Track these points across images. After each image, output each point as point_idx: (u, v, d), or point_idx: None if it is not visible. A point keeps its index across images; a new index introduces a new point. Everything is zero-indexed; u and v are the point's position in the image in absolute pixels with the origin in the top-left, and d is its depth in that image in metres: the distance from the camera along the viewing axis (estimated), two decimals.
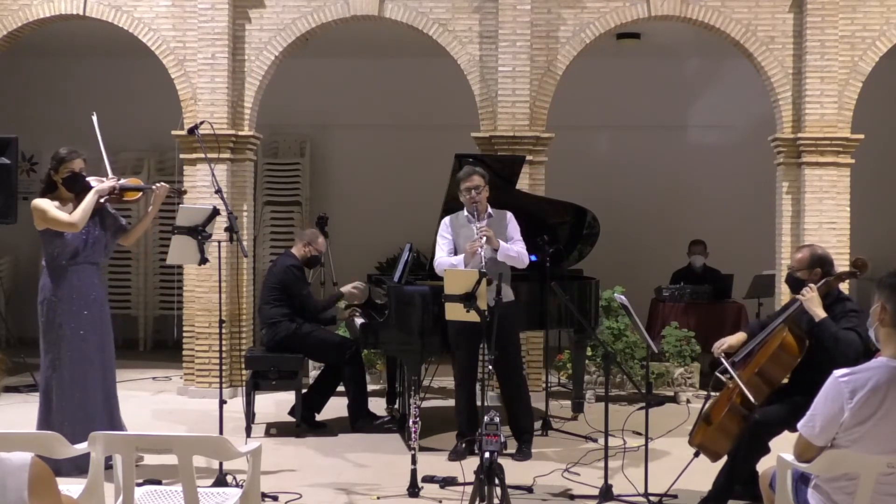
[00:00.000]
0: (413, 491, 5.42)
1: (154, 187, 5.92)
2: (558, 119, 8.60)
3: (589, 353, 7.90)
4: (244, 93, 8.46)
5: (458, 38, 8.31)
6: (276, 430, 7.12)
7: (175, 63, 8.46)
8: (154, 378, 9.22)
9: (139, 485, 3.99)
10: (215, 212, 5.66)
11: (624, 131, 11.39)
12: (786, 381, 5.11)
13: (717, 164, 11.18)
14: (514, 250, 6.18)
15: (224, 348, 6.18)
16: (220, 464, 5.37)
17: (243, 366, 7.88)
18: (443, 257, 6.22)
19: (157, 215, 6.06)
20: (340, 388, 7.22)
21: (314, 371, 8.03)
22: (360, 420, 7.07)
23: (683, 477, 5.32)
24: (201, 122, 6.45)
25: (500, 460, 4.26)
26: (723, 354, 5.16)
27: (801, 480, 3.59)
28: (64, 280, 5.70)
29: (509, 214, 6.36)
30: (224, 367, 6.17)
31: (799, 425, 3.46)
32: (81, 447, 3.61)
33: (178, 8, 8.42)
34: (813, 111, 8.19)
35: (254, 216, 9.22)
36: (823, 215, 8.19)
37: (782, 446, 4.05)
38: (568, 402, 7.87)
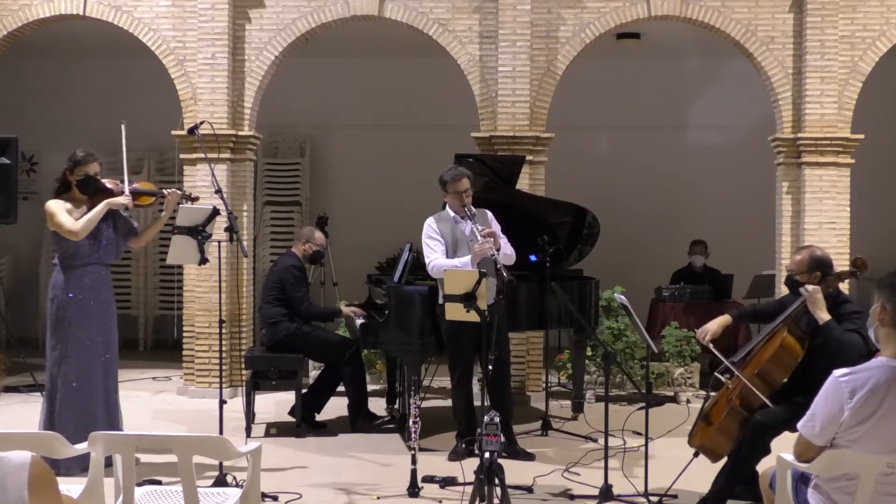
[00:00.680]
0: (413, 491, 5.42)
1: (166, 192, 5.94)
2: (558, 119, 8.60)
3: (589, 353, 7.90)
4: (244, 93, 8.47)
5: (458, 38, 8.31)
6: (276, 430, 7.12)
7: (175, 63, 8.46)
8: (154, 378, 9.22)
9: (139, 485, 3.99)
10: (215, 212, 5.66)
11: (624, 131, 11.39)
12: (785, 381, 5.11)
13: (717, 164, 11.18)
14: (509, 247, 6.19)
15: (224, 348, 6.18)
16: (220, 464, 5.36)
17: (243, 366, 7.88)
18: (440, 259, 6.14)
19: (154, 212, 6.08)
20: (340, 388, 7.22)
21: (314, 371, 8.03)
22: (360, 420, 7.06)
23: (683, 477, 5.31)
24: (201, 122, 6.45)
25: (500, 460, 4.26)
26: (710, 345, 5.14)
27: (801, 480, 3.59)
28: (76, 279, 5.75)
29: (489, 213, 6.35)
30: (224, 367, 6.17)
31: (799, 425, 3.46)
32: (81, 447, 3.61)
33: (178, 8, 8.42)
34: (813, 111, 8.19)
35: (254, 216, 9.22)
36: (823, 215, 8.19)
37: (782, 446, 4.05)
38: (568, 402, 7.87)
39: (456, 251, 6.19)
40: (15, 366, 9.12)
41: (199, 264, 5.68)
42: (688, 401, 8.11)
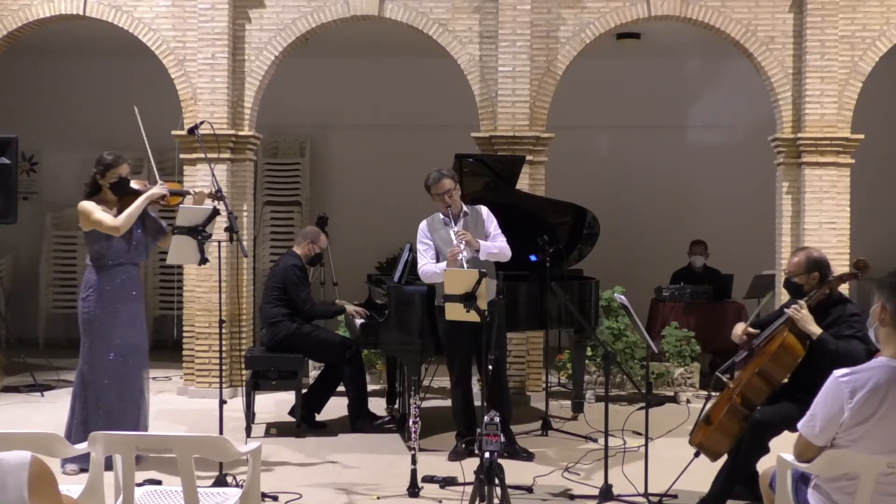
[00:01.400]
0: (413, 491, 5.42)
1: (193, 192, 6.01)
2: (558, 119, 8.60)
3: (589, 353, 7.90)
4: (244, 93, 8.47)
5: (458, 38, 8.31)
6: (276, 430, 7.12)
7: (175, 63, 8.46)
8: (154, 378, 9.21)
9: (139, 485, 3.99)
10: (215, 212, 5.67)
11: (624, 131, 11.39)
12: (786, 380, 5.11)
13: (717, 164, 11.18)
14: (496, 247, 6.13)
15: (224, 348, 6.18)
16: (220, 464, 5.36)
17: (243, 366, 7.88)
18: (427, 265, 6.17)
19: (159, 215, 6.11)
20: (340, 388, 7.22)
21: (314, 371, 8.03)
22: (360, 420, 7.06)
23: (683, 477, 5.31)
24: (201, 122, 6.47)
25: (500, 460, 4.26)
26: (745, 337, 5.13)
27: (801, 480, 3.59)
28: (108, 279, 5.81)
29: (485, 209, 6.32)
30: (224, 367, 6.17)
31: (799, 425, 3.46)
32: (81, 447, 3.61)
33: (178, 8, 8.42)
34: (813, 111, 8.19)
35: (254, 216, 9.22)
36: (823, 215, 8.19)
37: (782, 446, 4.05)
38: (568, 402, 7.87)
39: (440, 253, 6.19)
40: (15, 366, 9.12)
41: (199, 264, 5.69)
42: (688, 401, 8.11)
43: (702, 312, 9.12)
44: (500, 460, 4.23)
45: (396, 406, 7.52)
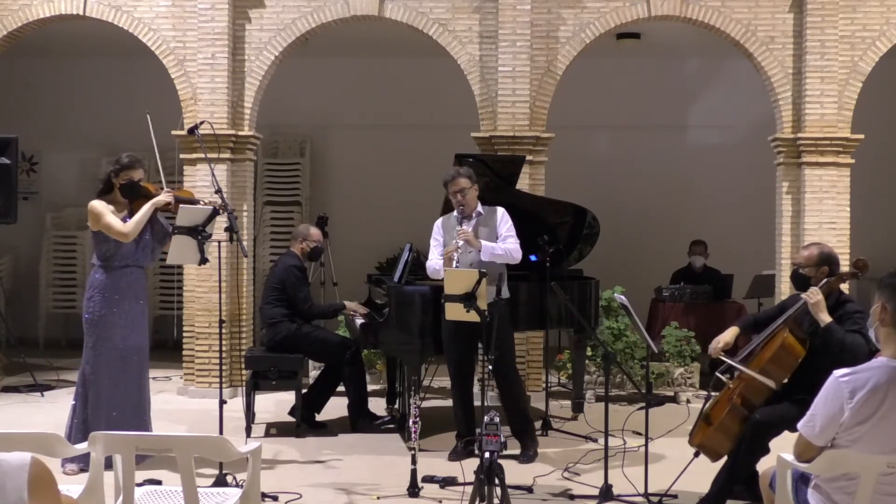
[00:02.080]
0: (413, 491, 5.42)
1: (203, 202, 6.02)
2: (558, 119, 8.60)
3: (589, 353, 7.90)
4: (244, 93, 8.47)
5: (458, 38, 8.31)
6: (276, 430, 7.12)
7: (175, 63, 8.46)
8: (154, 378, 9.20)
9: (139, 485, 3.99)
10: (215, 212, 5.67)
11: (624, 131, 11.39)
12: (786, 381, 5.11)
13: (717, 164, 11.18)
14: (501, 248, 6.10)
15: (224, 348, 6.18)
16: (220, 464, 5.37)
17: (243, 366, 7.88)
18: (432, 261, 6.25)
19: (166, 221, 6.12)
20: (340, 388, 7.22)
21: (314, 371, 8.03)
22: (360, 420, 7.06)
23: (683, 477, 5.32)
24: (201, 122, 6.47)
25: (500, 460, 4.26)
26: (722, 354, 5.15)
27: (801, 480, 3.59)
28: (114, 280, 5.82)
29: (500, 210, 6.30)
30: (224, 367, 6.17)
31: (799, 425, 3.46)
32: (81, 447, 3.61)
33: (178, 8, 8.42)
34: (813, 111, 8.19)
35: (254, 216, 9.22)
36: (823, 215, 8.19)
37: (782, 446, 4.05)
38: (568, 402, 7.87)
39: None
40: (15, 366, 9.12)
41: (199, 264, 5.70)
42: (688, 401, 8.11)
43: (702, 312, 9.11)
44: (499, 460, 4.23)
45: (396, 406, 7.52)
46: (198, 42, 8.36)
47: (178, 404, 8.12)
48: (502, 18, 8.21)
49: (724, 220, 10.86)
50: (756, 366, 4.96)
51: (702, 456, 5.13)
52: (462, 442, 6.22)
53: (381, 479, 5.76)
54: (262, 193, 11.02)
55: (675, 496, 5.31)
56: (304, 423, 6.96)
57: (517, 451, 6.21)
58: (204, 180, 8.13)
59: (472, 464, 5.03)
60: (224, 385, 5.97)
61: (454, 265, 5.78)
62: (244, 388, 7.28)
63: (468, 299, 5.14)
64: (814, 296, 4.87)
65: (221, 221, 6.02)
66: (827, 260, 5.03)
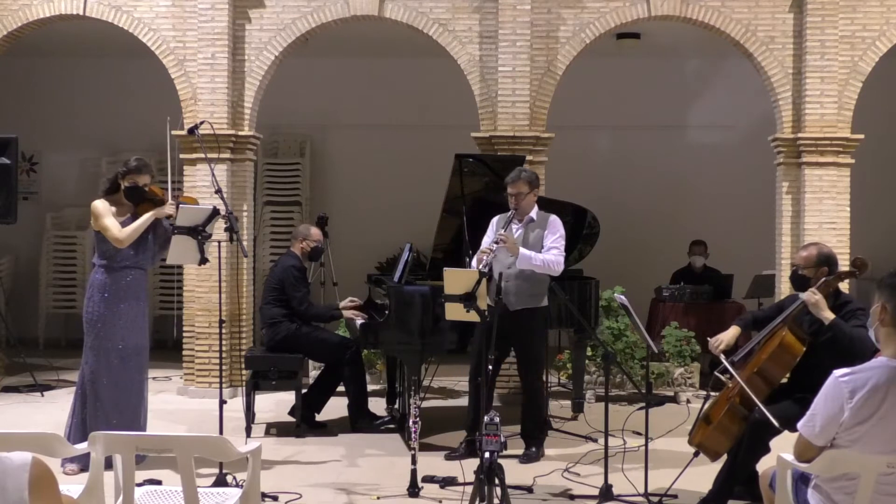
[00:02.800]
0: (413, 491, 5.42)
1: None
2: (558, 119, 8.60)
3: (589, 353, 7.90)
4: (244, 93, 8.47)
5: (458, 38, 8.31)
6: (276, 430, 7.12)
7: (175, 63, 8.46)
8: (154, 378, 9.21)
9: (139, 485, 3.99)
10: (215, 212, 5.67)
11: (624, 131, 11.39)
12: (785, 380, 5.11)
13: (717, 164, 11.18)
14: (540, 259, 6.05)
15: (224, 348, 6.18)
16: (220, 464, 5.37)
17: (243, 366, 7.88)
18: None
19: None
20: (340, 388, 7.21)
21: (314, 371, 8.03)
22: (360, 420, 7.06)
23: (683, 477, 5.32)
24: (201, 122, 6.46)
25: (500, 460, 4.26)
26: (722, 353, 5.15)
27: (801, 480, 3.59)
28: (115, 280, 5.83)
29: (552, 220, 6.24)
30: (224, 367, 6.17)
31: (799, 425, 3.46)
32: (81, 447, 3.61)
33: (178, 8, 8.42)
34: (813, 111, 8.19)
35: (254, 216, 9.22)
36: (823, 215, 8.18)
37: (782, 446, 4.05)
38: (568, 402, 7.87)
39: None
40: (15, 366, 9.12)
41: (199, 264, 5.71)
42: (688, 401, 8.11)
43: (702, 312, 9.11)
44: (500, 460, 4.23)
45: (396, 406, 7.52)
46: (198, 42, 8.36)
47: (178, 404, 8.12)
48: (502, 18, 8.21)
49: (724, 220, 10.86)
50: (755, 364, 4.96)
51: (701, 455, 5.13)
52: (463, 442, 6.22)
53: (381, 479, 5.76)
54: (262, 193, 11.02)
55: (675, 496, 5.31)
56: (304, 423, 6.95)
57: (518, 452, 6.21)
58: (204, 180, 8.13)
59: (472, 464, 5.03)
60: (224, 385, 5.97)
61: (481, 266, 5.73)
62: (244, 388, 7.28)
63: (468, 299, 5.14)
64: (813, 296, 4.87)
65: (221, 221, 6.01)
66: (826, 260, 5.03)
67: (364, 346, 7.06)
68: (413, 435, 5.46)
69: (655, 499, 5.28)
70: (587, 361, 7.94)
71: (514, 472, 5.69)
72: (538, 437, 6.36)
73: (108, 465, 3.68)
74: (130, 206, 5.84)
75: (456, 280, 5.25)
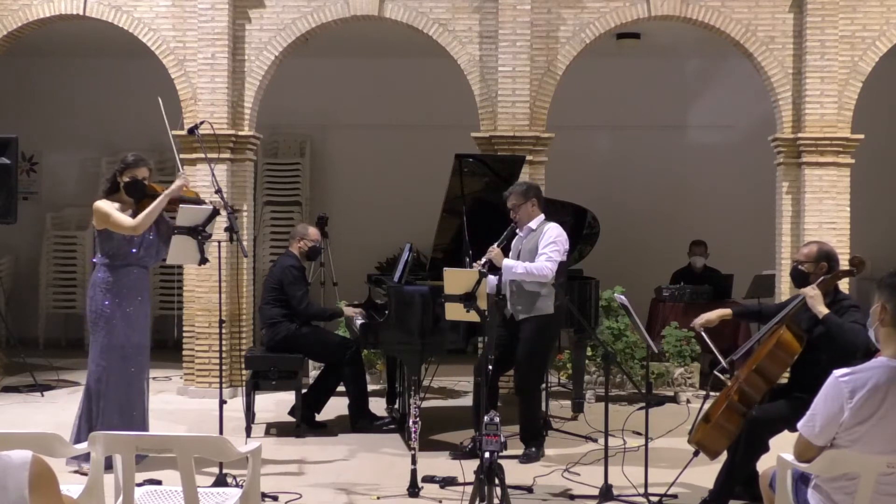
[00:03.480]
0: (413, 491, 5.42)
1: (209, 202, 5.99)
2: (558, 119, 8.60)
3: (589, 353, 7.90)
4: (244, 93, 8.47)
5: (458, 38, 8.31)
6: (276, 430, 7.12)
7: (175, 63, 8.46)
8: (154, 378, 9.20)
9: (139, 485, 3.99)
10: (215, 212, 5.67)
11: (624, 131, 11.39)
12: (785, 378, 5.11)
13: (717, 164, 11.18)
14: (522, 267, 6.05)
15: (224, 348, 6.18)
16: (220, 464, 5.37)
17: (243, 366, 7.88)
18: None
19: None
20: (340, 388, 7.22)
21: (314, 371, 8.03)
22: (360, 420, 7.06)
23: (683, 477, 5.32)
24: (201, 122, 6.46)
25: (500, 460, 4.26)
26: (715, 350, 5.17)
27: (801, 480, 3.59)
28: (118, 279, 5.82)
29: (549, 228, 6.21)
30: (224, 367, 6.17)
31: (799, 425, 3.46)
32: (82, 447, 3.61)
33: (178, 8, 8.42)
34: (813, 111, 8.19)
35: (254, 216, 9.22)
36: (823, 215, 8.18)
37: (782, 446, 4.05)
38: (568, 402, 7.87)
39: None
40: (15, 366, 9.12)
41: (199, 264, 5.70)
42: (688, 401, 8.11)
43: (702, 312, 9.05)
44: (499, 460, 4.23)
45: (396, 406, 7.52)
46: (198, 42, 8.36)
47: (178, 404, 8.13)
48: (502, 18, 8.21)
49: (724, 220, 10.85)
50: (753, 363, 4.97)
51: (701, 455, 5.13)
52: (463, 442, 6.21)
53: (381, 479, 5.76)
54: (262, 193, 11.02)
55: (675, 496, 5.31)
56: (304, 423, 6.96)
57: (518, 452, 6.21)
58: (204, 180, 8.12)
59: (472, 464, 5.03)
60: (224, 385, 5.97)
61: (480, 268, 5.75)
62: (244, 388, 7.28)
63: (468, 299, 5.14)
64: (812, 290, 4.91)
65: (221, 221, 6.02)
66: (826, 256, 5.07)
67: (364, 346, 7.06)
68: (413, 435, 5.46)
69: (655, 499, 5.27)
70: (587, 361, 7.94)
71: (514, 472, 5.69)
72: (535, 439, 6.36)
73: (109, 465, 3.68)
74: (132, 204, 5.83)
75: (456, 280, 5.25)
